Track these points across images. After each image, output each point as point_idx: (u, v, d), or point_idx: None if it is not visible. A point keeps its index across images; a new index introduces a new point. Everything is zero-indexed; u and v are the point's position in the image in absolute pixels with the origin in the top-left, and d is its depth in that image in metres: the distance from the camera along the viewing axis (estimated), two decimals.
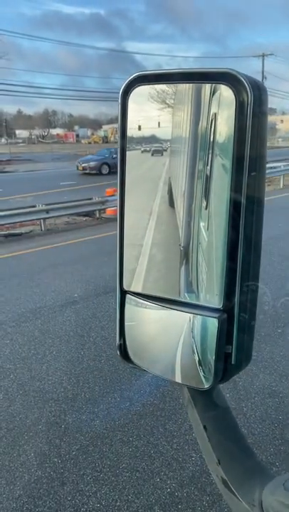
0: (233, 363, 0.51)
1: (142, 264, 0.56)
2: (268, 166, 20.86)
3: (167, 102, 0.52)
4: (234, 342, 0.51)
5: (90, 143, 70.06)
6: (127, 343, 0.59)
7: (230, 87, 0.46)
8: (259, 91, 0.47)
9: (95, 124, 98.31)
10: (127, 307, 0.58)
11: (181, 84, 0.50)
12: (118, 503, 2.92)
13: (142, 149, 0.57)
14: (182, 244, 0.52)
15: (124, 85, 0.53)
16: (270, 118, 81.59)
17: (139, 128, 0.54)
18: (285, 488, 0.50)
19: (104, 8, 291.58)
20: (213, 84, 0.47)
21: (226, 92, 0.46)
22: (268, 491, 0.51)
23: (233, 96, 0.46)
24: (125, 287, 0.58)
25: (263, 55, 55.47)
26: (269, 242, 8.81)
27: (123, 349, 0.59)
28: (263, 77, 54.18)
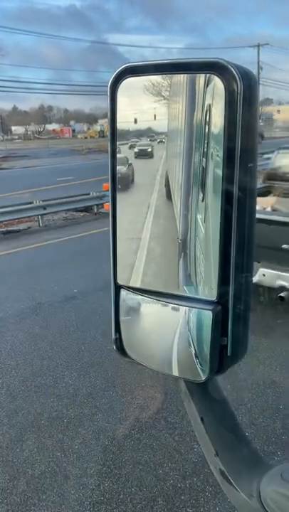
0: (229, 354, 0.51)
1: (138, 258, 0.56)
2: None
3: (163, 94, 0.51)
4: (229, 334, 0.51)
5: (86, 137, 69.79)
6: (123, 337, 0.59)
7: (219, 77, 0.45)
8: (249, 80, 0.46)
9: (91, 119, 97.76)
10: (122, 302, 0.58)
11: (176, 76, 0.50)
12: (121, 496, 2.94)
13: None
14: (180, 237, 0.52)
15: (112, 77, 0.52)
16: (267, 109, 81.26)
17: (136, 121, 0.54)
18: (282, 478, 0.50)
19: (78, 0, 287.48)
20: (208, 75, 0.47)
21: (219, 83, 0.46)
22: (266, 481, 0.51)
23: (223, 86, 0.45)
24: (119, 282, 0.58)
25: (259, 45, 55.07)
26: None
27: (119, 343, 0.59)
28: (259, 67, 53.85)
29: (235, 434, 0.59)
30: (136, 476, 3.10)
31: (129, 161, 0.56)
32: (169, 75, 0.50)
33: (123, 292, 0.58)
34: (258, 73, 53.12)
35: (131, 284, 0.57)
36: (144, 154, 0.56)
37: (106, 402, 3.96)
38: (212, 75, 0.46)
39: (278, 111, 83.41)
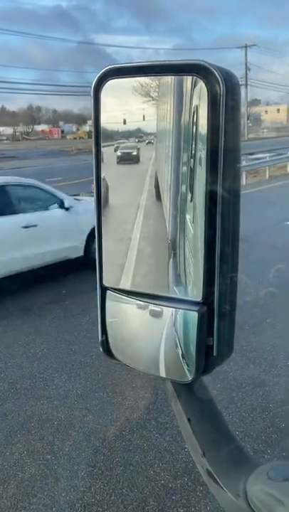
0: (214, 354, 0.51)
1: (124, 259, 0.56)
2: (253, 157, 20.97)
3: (151, 94, 0.51)
4: (215, 334, 0.51)
5: (75, 138, 69.67)
6: (110, 339, 0.59)
7: (202, 79, 0.46)
8: (231, 82, 0.47)
9: (80, 119, 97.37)
10: (108, 303, 0.58)
11: (164, 77, 0.50)
12: (112, 497, 2.93)
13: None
14: (169, 238, 0.52)
15: (95, 79, 0.52)
16: (255, 109, 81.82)
17: (125, 122, 0.53)
18: (268, 477, 0.50)
19: (64, 1, 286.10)
20: (194, 77, 0.47)
21: (203, 84, 0.46)
22: (252, 480, 0.52)
23: (206, 88, 0.46)
24: (105, 283, 0.58)
25: (246, 46, 55.33)
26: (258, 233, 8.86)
27: (106, 345, 0.59)
28: (247, 68, 54.15)
29: (222, 434, 0.59)
30: (127, 477, 3.10)
31: (102, 175, 0.54)
32: (153, 77, 0.51)
33: (109, 294, 0.58)
34: (246, 74, 53.43)
35: (118, 286, 0.57)
36: (128, 159, 0.54)
37: (97, 403, 3.94)
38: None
39: (266, 111, 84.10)
